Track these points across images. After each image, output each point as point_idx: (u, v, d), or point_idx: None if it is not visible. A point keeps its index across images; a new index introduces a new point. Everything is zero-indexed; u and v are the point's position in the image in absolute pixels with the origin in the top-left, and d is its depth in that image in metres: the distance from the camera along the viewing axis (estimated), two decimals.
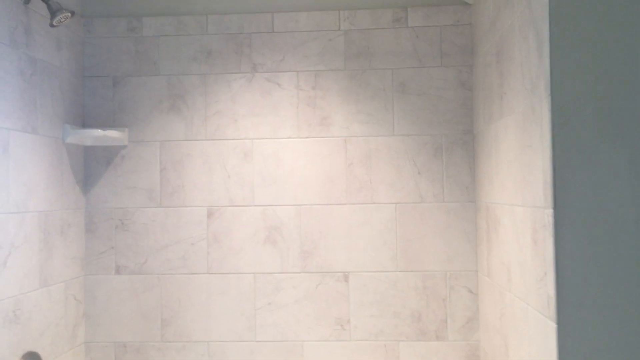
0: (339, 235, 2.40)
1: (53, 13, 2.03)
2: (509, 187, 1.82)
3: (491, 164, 2.07)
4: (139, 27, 2.47)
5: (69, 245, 2.31)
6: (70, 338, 2.31)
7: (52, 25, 2.04)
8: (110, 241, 2.45)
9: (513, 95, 1.76)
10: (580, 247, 1.38)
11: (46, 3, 2.04)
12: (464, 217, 2.37)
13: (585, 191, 1.26)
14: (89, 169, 2.47)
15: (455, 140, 2.38)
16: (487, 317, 2.19)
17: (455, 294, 2.36)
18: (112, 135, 2.35)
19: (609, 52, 1.13)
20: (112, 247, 2.45)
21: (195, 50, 2.46)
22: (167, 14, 2.48)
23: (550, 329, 1.43)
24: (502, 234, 1.94)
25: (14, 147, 1.94)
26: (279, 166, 2.43)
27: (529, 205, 1.61)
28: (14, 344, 1.92)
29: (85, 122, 2.47)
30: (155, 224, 2.44)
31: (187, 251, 2.44)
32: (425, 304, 2.37)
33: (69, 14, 2.05)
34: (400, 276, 2.38)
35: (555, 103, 1.41)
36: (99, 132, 2.31)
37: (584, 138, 1.25)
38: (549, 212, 1.43)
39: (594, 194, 1.21)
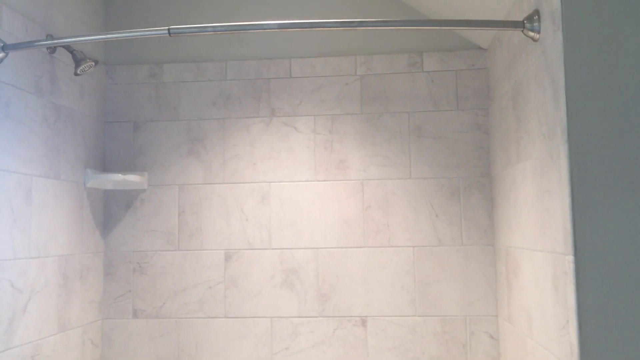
0: (357, 278, 2.39)
1: (77, 62, 2.09)
2: (528, 231, 1.81)
3: (509, 208, 2.06)
4: (160, 73, 2.53)
5: (88, 289, 2.33)
6: None
7: (76, 74, 2.09)
8: (128, 284, 2.46)
9: (530, 141, 1.76)
10: (603, 295, 1.36)
11: (71, 52, 2.10)
12: (482, 260, 2.35)
13: (606, 237, 1.25)
14: (109, 212, 2.49)
15: (473, 182, 2.38)
16: None
17: (475, 339, 2.32)
18: (132, 179, 2.38)
19: (625, 98, 1.14)
20: (130, 290, 2.46)
21: (215, 96, 2.51)
22: (187, 61, 2.54)
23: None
24: (522, 279, 1.91)
25: (36, 193, 1.97)
26: (296, 209, 2.44)
27: (548, 250, 1.59)
28: None
29: (105, 166, 2.51)
30: (173, 267, 2.45)
31: (205, 295, 2.43)
32: (445, 350, 2.33)
33: (93, 63, 2.11)
34: (419, 321, 2.35)
35: (573, 150, 1.41)
36: (119, 177, 2.34)
37: (603, 184, 1.24)
38: (570, 258, 1.42)
39: (614, 240, 1.20)
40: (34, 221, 1.96)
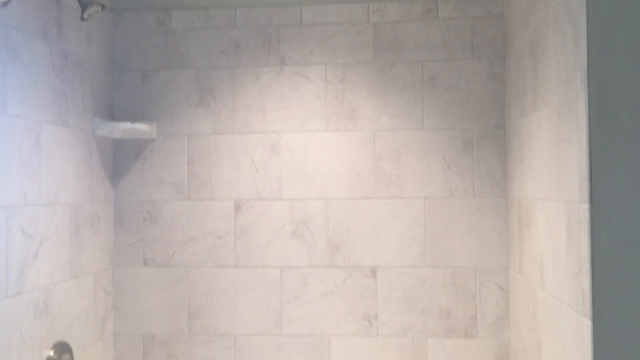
0: (367, 229, 2.38)
1: (84, 6, 2.04)
2: (543, 182, 1.78)
3: (524, 159, 2.02)
4: (168, 20, 2.48)
5: (98, 237, 2.34)
6: (99, 329, 2.33)
7: (82, 19, 2.05)
8: (138, 234, 2.47)
9: (547, 88, 1.71)
10: (617, 243, 1.34)
11: None
12: (494, 212, 2.32)
13: (622, 185, 1.22)
14: (118, 162, 2.48)
15: (486, 134, 2.34)
16: (519, 315, 2.15)
17: (485, 291, 2.32)
18: (141, 128, 2.36)
19: None
20: (140, 239, 2.46)
21: (224, 44, 2.46)
22: (195, 8, 2.48)
23: (585, 326, 1.39)
24: (534, 230, 1.89)
25: (45, 140, 1.96)
26: (306, 160, 2.41)
27: (563, 200, 1.56)
28: (45, 334, 1.94)
29: (114, 115, 2.49)
30: (183, 217, 2.45)
31: (214, 244, 2.44)
32: (455, 301, 2.33)
33: (99, 7, 2.06)
34: (429, 272, 2.35)
35: (592, 95, 1.37)
36: (127, 125, 2.32)
37: (622, 131, 1.21)
38: (585, 207, 1.39)
39: (631, 188, 1.17)
40: (43, 168, 1.95)
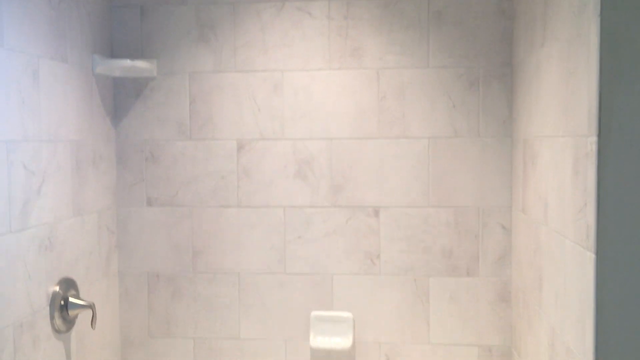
0: (370, 169, 2.37)
1: None
2: (550, 118, 1.75)
3: (531, 95, 1.99)
4: None
5: (101, 176, 2.33)
6: (104, 267, 2.35)
7: None
8: (141, 173, 2.46)
9: (558, 20, 1.66)
10: (624, 176, 1.33)
11: None
12: (499, 152, 2.30)
13: (631, 118, 1.20)
14: (119, 100, 2.45)
15: (493, 72, 2.29)
16: (520, 253, 2.16)
17: (487, 230, 2.32)
18: (141, 65, 2.32)
19: None
20: (143, 179, 2.46)
21: None
22: None
23: (588, 259, 1.39)
24: (539, 168, 1.88)
25: (44, 75, 1.93)
26: (309, 99, 2.38)
27: (570, 134, 1.54)
28: (50, 270, 1.96)
29: (113, 52, 2.44)
30: (185, 156, 2.44)
31: (218, 184, 2.43)
32: (457, 240, 2.34)
33: None
34: (432, 212, 2.35)
35: (605, 24, 1.33)
36: (127, 62, 2.28)
37: (633, 62, 1.17)
38: (593, 139, 1.37)
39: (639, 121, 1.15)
40: (43, 104, 1.92)
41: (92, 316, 2.03)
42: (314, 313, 2.39)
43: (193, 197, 2.44)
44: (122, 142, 2.46)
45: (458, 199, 2.33)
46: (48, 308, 1.94)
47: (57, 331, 1.98)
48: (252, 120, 2.40)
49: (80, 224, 2.16)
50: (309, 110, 2.38)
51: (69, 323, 2.05)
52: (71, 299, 2.02)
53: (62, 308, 1.99)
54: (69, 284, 2.05)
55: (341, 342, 2.34)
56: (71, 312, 2.02)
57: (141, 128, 2.45)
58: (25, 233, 1.82)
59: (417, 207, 2.35)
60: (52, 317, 1.95)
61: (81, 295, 2.12)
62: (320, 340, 2.36)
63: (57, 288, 1.98)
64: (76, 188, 2.13)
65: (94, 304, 2.04)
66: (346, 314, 2.38)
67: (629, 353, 1.30)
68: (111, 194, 2.42)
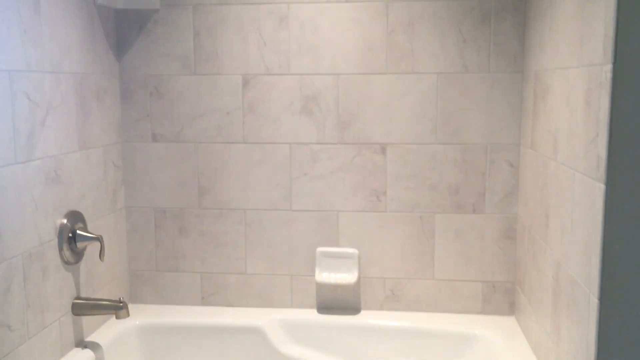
0: (378, 106, 2.33)
1: None
2: (563, 49, 1.70)
3: (545, 27, 1.93)
4: None
5: (106, 111, 2.31)
6: (111, 202, 2.36)
7: None
8: (145, 109, 2.43)
9: None
10: (637, 105, 1.30)
11: None
12: (509, 88, 2.26)
13: None
14: (121, 34, 2.40)
15: (506, 5, 2.22)
16: (527, 190, 2.15)
17: (495, 168, 2.31)
18: None
19: None
20: (148, 114, 2.44)
21: None
22: None
23: (597, 190, 1.38)
24: (550, 102, 1.84)
25: (45, 4, 1.88)
26: (315, 32, 2.32)
27: (584, 65, 1.50)
28: (57, 202, 1.97)
29: None
30: (190, 92, 2.40)
31: (223, 120, 2.41)
32: (464, 177, 2.33)
33: None
34: (439, 149, 2.33)
35: None
36: None
37: None
38: (608, 67, 1.33)
39: None
40: (44, 34, 1.88)
41: (101, 248, 2.05)
42: (320, 249, 2.41)
43: (198, 133, 2.42)
44: (126, 77, 2.42)
45: (466, 136, 2.30)
46: (56, 240, 1.95)
47: (66, 262, 2.00)
48: (257, 54, 2.36)
49: (85, 158, 2.15)
50: (316, 44, 2.33)
51: (78, 255, 2.07)
52: (79, 232, 2.03)
53: (71, 240, 2.01)
54: (76, 217, 2.06)
55: (346, 277, 2.37)
56: (79, 245, 2.04)
57: (145, 62, 2.41)
58: (31, 164, 1.82)
59: (424, 144, 2.33)
60: (60, 249, 1.97)
61: (89, 230, 2.13)
62: (325, 276, 2.39)
63: (64, 221, 1.99)
64: (81, 122, 2.12)
65: (101, 237, 2.06)
66: (351, 250, 2.40)
67: (634, 282, 1.31)
68: (116, 129, 2.40)
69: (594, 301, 1.40)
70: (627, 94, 1.30)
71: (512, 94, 2.26)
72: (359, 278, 2.40)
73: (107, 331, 2.24)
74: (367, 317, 2.39)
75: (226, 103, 2.40)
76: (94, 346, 2.09)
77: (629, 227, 1.33)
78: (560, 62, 1.73)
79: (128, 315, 2.07)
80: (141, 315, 2.39)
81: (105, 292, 2.30)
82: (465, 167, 2.32)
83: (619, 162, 1.32)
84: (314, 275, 2.42)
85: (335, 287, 2.43)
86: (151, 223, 2.49)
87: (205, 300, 2.51)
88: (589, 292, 1.44)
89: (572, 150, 1.60)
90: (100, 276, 2.27)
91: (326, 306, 2.46)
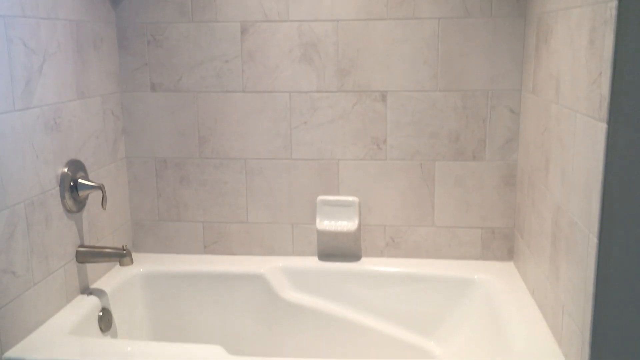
0: (378, 53, 2.31)
1: None
2: None
3: None
4: None
5: (103, 59, 2.28)
6: (111, 152, 2.36)
7: None
8: (143, 57, 2.40)
9: None
10: None
11: None
12: (511, 33, 2.23)
13: None
14: None
15: None
16: (528, 136, 2.14)
17: (496, 114, 2.30)
18: None
19: None
20: (146, 63, 2.41)
21: None
22: None
23: (599, 130, 1.38)
24: (553, 44, 1.82)
25: None
26: None
27: (589, 3, 1.48)
28: (58, 151, 1.96)
29: None
30: (188, 40, 2.37)
31: (222, 69, 2.38)
32: (464, 125, 2.32)
33: None
34: (440, 96, 2.31)
35: None
36: None
37: None
38: (613, 4, 1.31)
39: None
40: None
41: (102, 197, 2.06)
42: (320, 198, 2.42)
43: (197, 82, 2.40)
44: (123, 25, 2.38)
45: (467, 82, 2.28)
46: (58, 188, 1.96)
47: (68, 211, 2.02)
48: (255, 0, 2.31)
49: (84, 107, 2.14)
50: None
51: (80, 204, 2.08)
52: (80, 180, 2.03)
53: (72, 189, 2.02)
54: (77, 166, 2.06)
55: (347, 225, 2.38)
56: (81, 193, 2.04)
57: (142, 10, 2.37)
58: (30, 112, 1.80)
59: (425, 91, 2.31)
60: (62, 197, 1.97)
61: (90, 179, 2.14)
62: (326, 224, 2.40)
63: (65, 169, 1.99)
64: (78, 70, 2.09)
65: (103, 185, 2.06)
66: (352, 198, 2.41)
67: (633, 222, 1.32)
68: (114, 78, 2.38)
69: (593, 240, 1.41)
70: (631, 31, 1.28)
71: (514, 39, 2.23)
72: (360, 226, 2.42)
73: (111, 279, 2.27)
74: (367, 264, 2.42)
75: (225, 51, 2.37)
76: (98, 293, 2.13)
77: (629, 167, 1.33)
78: (564, 3, 1.71)
79: (132, 262, 2.10)
80: (144, 264, 2.42)
81: (108, 241, 2.32)
82: (466, 114, 2.31)
83: (621, 101, 1.31)
84: (314, 224, 2.44)
85: (335, 235, 2.45)
86: (152, 173, 2.49)
87: (208, 249, 2.53)
88: (588, 232, 1.45)
89: (574, 91, 1.59)
90: (103, 226, 2.28)
91: (327, 254, 2.48)
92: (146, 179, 2.50)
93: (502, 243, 2.39)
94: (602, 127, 1.36)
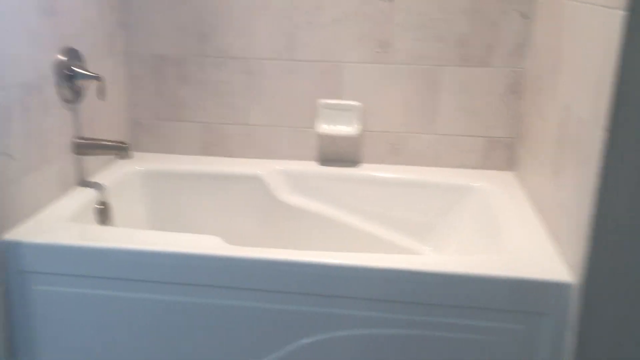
0: None
1: None
2: None
3: None
4: None
5: None
6: (109, 45, 2.29)
7: None
8: None
9: None
10: None
11: None
12: None
13: None
14: None
15: None
16: (540, 40, 2.08)
17: (507, 18, 2.22)
18: None
19: None
20: None
21: None
22: None
23: (617, 18, 1.32)
24: None
25: None
26: None
27: None
28: (53, 37, 1.90)
29: None
30: None
31: None
32: (473, 29, 2.25)
33: None
34: None
35: None
36: None
37: None
38: None
39: None
40: None
41: (101, 88, 2.02)
42: (322, 101, 2.38)
43: None
44: None
45: None
46: (55, 75, 1.91)
47: (65, 100, 1.97)
48: None
49: None
50: None
51: (77, 94, 2.04)
52: (77, 69, 1.98)
53: (69, 77, 1.97)
54: (74, 55, 2.01)
55: (347, 129, 2.35)
56: (78, 82, 2.00)
57: None
58: None
59: None
60: (59, 84, 1.93)
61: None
62: (326, 127, 2.37)
63: (61, 56, 1.94)
64: None
65: (101, 75, 2.01)
66: (354, 103, 2.37)
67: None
68: None
69: (599, 134, 1.39)
70: None
71: None
72: (361, 131, 2.39)
73: (109, 174, 2.26)
74: (367, 169, 2.41)
75: None
76: (96, 186, 2.12)
77: None
78: None
79: (131, 157, 2.08)
80: (143, 162, 2.41)
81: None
82: (475, 17, 2.23)
83: None
84: (315, 128, 2.41)
85: (336, 140, 2.42)
86: (151, 70, 2.43)
87: (207, 150, 2.51)
88: (595, 126, 1.43)
89: None
90: (101, 122, 2.24)
91: (327, 159, 2.47)
92: (144, 77, 2.44)
93: (503, 153, 2.37)
94: (619, 15, 1.31)
